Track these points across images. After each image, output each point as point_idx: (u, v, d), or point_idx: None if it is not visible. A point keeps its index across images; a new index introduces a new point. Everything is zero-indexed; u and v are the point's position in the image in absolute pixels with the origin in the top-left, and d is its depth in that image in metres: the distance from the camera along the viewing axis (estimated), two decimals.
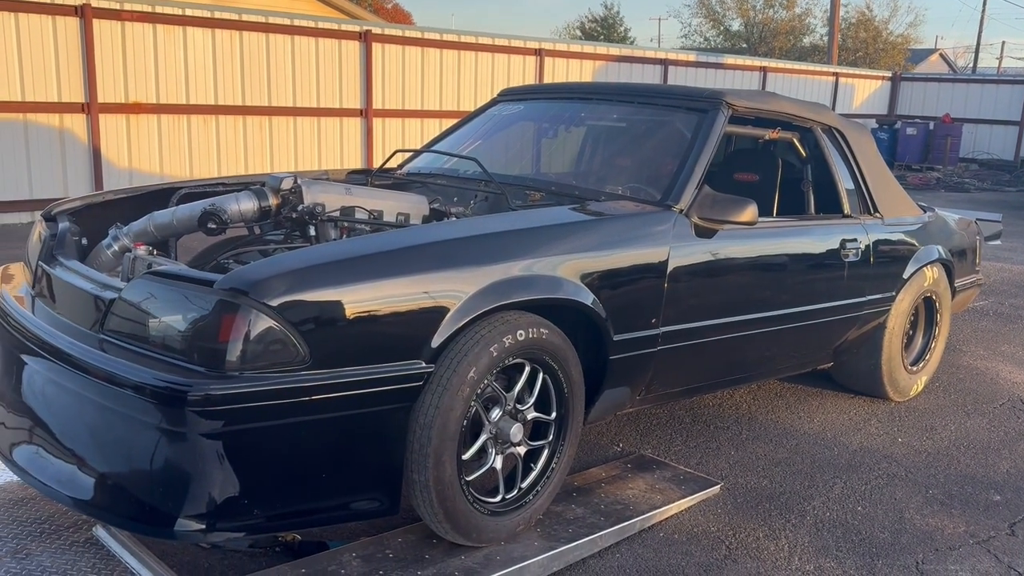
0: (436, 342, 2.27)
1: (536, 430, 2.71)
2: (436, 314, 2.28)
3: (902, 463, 3.56)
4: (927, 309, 4.38)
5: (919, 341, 4.42)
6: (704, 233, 3.04)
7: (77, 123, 8.29)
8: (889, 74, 20.02)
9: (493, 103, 4.15)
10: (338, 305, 2.12)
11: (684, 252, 2.95)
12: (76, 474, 2.17)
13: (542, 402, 2.67)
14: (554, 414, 2.69)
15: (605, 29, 41.47)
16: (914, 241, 4.09)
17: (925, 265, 4.12)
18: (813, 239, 3.52)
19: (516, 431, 2.55)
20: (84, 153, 8.38)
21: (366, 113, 10.36)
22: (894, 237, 3.96)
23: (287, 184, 2.78)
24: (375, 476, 2.27)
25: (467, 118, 4.14)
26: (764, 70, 16.07)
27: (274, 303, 2.04)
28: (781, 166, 3.90)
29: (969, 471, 3.52)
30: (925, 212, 4.40)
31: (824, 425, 3.93)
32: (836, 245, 3.60)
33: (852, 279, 3.69)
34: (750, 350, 3.39)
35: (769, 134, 3.63)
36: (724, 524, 2.96)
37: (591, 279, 2.66)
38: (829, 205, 3.79)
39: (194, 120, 9.02)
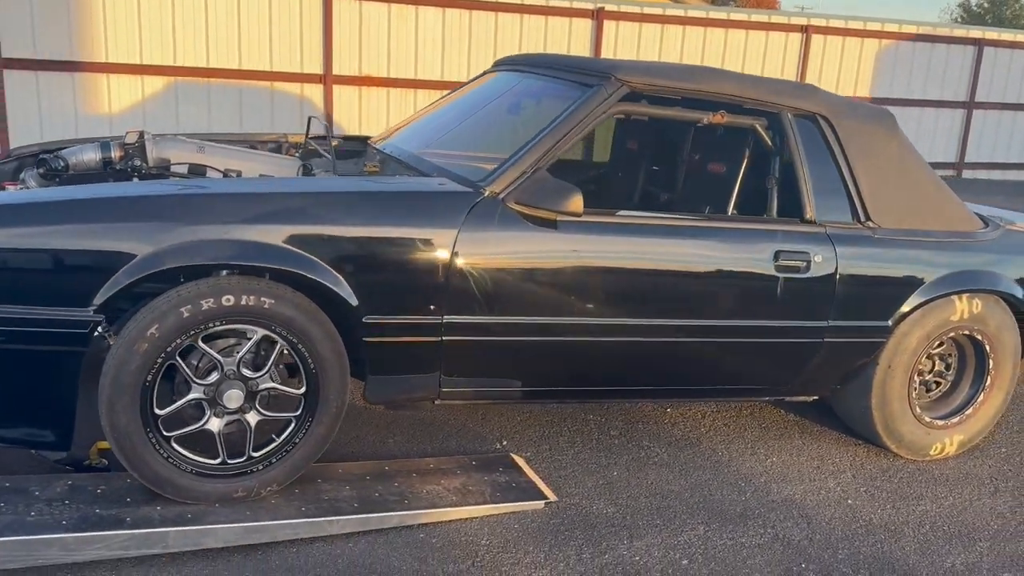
0: (105, 294, 2.37)
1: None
2: (109, 266, 2.36)
3: (807, 532, 2.90)
4: (977, 353, 3.44)
5: (965, 390, 3.49)
6: (537, 222, 2.74)
7: (315, 92, 9.34)
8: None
9: (488, 72, 4.00)
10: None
11: (484, 240, 2.68)
12: None
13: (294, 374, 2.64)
14: (303, 388, 2.64)
15: None
16: (934, 260, 3.23)
17: (952, 294, 3.24)
18: (713, 243, 2.95)
19: (231, 397, 2.54)
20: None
21: None
22: (888, 253, 3.16)
23: (131, 138, 3.00)
24: (40, 411, 2.44)
25: (460, 87, 4.04)
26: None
27: None
28: (747, 158, 3.30)
29: (898, 563, 2.76)
30: (988, 225, 3.44)
31: (768, 468, 3.30)
32: (760, 254, 2.98)
33: (792, 299, 3.04)
34: (618, 359, 2.97)
35: (709, 118, 3.09)
36: (503, 540, 2.68)
37: (334, 254, 2.54)
38: (791, 206, 3.15)
39: (420, 94, 9.67)
